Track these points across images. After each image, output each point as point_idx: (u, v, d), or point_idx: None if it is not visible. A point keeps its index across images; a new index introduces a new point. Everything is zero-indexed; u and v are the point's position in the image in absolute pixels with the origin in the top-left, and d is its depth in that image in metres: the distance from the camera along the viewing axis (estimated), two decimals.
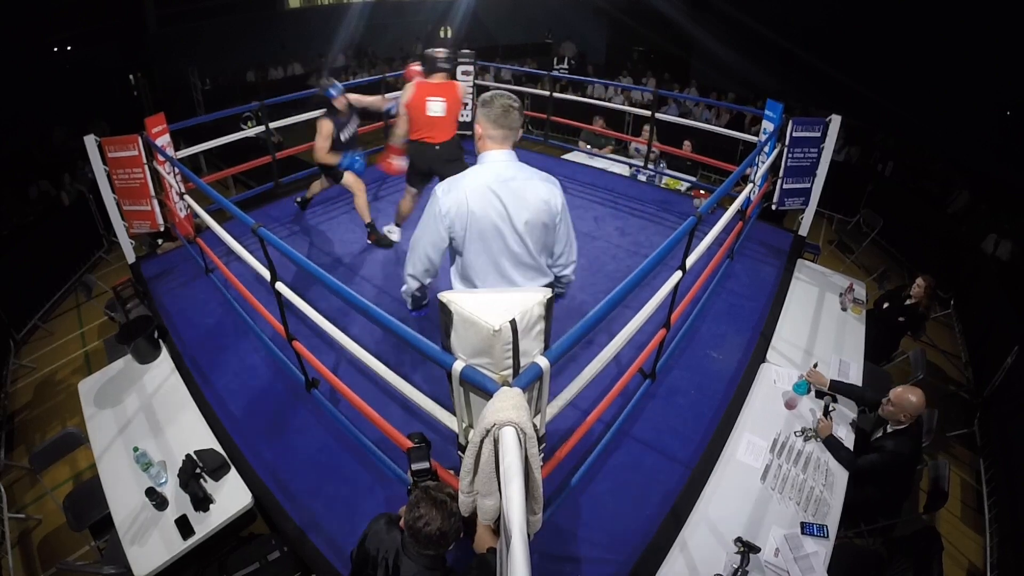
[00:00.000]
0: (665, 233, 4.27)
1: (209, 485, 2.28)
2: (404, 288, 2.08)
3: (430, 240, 1.87)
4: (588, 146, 6.25)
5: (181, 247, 4.02)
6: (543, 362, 1.42)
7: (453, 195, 1.80)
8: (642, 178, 5.38)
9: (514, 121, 1.80)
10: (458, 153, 3.57)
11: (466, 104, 5.15)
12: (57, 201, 6.64)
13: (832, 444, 2.49)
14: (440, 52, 3.44)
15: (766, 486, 2.32)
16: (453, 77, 3.54)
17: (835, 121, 3.70)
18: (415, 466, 1.62)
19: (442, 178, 2.90)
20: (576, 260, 2.09)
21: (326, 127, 3.70)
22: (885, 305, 3.86)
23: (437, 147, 3.44)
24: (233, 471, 2.36)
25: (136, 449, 2.35)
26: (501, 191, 1.78)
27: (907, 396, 2.45)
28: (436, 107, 3.37)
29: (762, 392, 2.79)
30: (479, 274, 1.89)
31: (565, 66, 10.27)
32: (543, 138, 6.00)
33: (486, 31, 13.20)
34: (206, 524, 2.17)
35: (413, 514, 1.40)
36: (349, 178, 3.91)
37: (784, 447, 2.50)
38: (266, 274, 2.44)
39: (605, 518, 2.20)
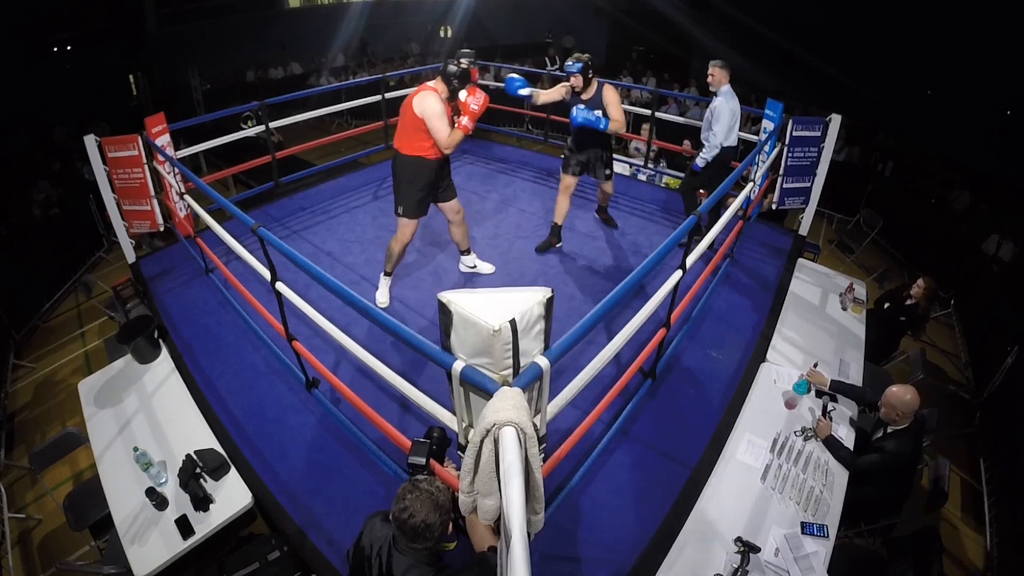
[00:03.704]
0: (665, 233, 4.28)
1: (209, 485, 2.28)
2: (706, 153, 3.79)
3: (737, 122, 3.72)
4: None
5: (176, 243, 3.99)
6: (543, 362, 1.42)
7: (735, 99, 3.65)
8: (642, 177, 5.39)
9: (731, 72, 3.64)
10: (405, 175, 3.08)
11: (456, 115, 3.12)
12: (31, 217, 6.34)
13: (832, 444, 2.49)
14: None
15: (766, 486, 2.32)
16: (448, 83, 2.99)
17: (835, 121, 3.71)
18: (411, 459, 1.61)
19: (396, 196, 3.30)
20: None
21: (562, 90, 3.76)
22: (885, 305, 3.85)
23: (394, 156, 3.15)
24: (233, 471, 2.36)
25: (136, 449, 2.35)
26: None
27: (901, 395, 2.44)
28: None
29: (762, 392, 2.79)
30: (733, 132, 3.75)
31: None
32: (543, 137, 6.00)
33: (486, 31, 13.19)
34: (206, 524, 2.17)
35: (398, 506, 1.39)
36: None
37: (784, 447, 2.50)
38: (266, 274, 2.44)
39: (605, 518, 2.20)
